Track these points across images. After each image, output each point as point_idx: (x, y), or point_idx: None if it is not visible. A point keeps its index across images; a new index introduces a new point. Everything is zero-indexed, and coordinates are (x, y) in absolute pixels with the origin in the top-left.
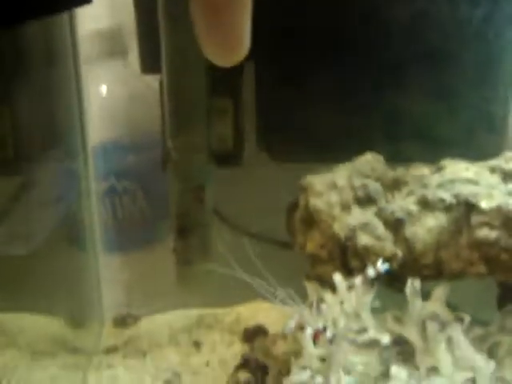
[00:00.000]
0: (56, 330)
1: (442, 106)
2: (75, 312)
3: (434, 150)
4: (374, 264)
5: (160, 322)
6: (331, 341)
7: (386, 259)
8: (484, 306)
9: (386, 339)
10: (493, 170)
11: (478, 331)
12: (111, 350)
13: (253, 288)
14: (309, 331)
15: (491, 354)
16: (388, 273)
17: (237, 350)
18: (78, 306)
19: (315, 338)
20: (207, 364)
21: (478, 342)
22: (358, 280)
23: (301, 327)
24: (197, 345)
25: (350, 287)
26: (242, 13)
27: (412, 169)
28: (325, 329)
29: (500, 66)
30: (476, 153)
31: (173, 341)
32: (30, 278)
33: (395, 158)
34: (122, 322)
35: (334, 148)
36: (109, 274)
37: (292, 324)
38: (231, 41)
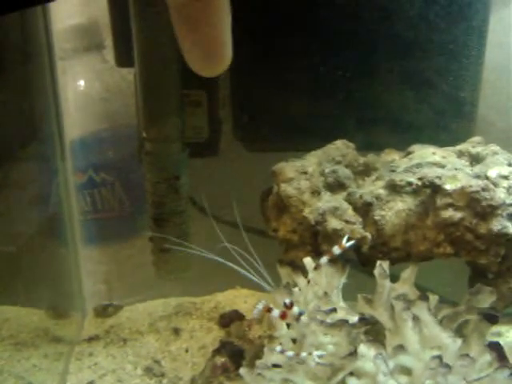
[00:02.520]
0: (38, 322)
1: (413, 93)
2: (56, 303)
3: (406, 136)
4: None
5: (140, 311)
6: (298, 317)
7: (356, 242)
8: (459, 289)
9: (353, 319)
10: (461, 154)
11: (447, 311)
12: (92, 339)
13: (231, 276)
14: (276, 312)
15: (460, 332)
16: (356, 252)
17: (216, 336)
18: (59, 297)
19: (282, 316)
20: (187, 350)
21: (447, 322)
22: (324, 259)
23: (269, 309)
24: (176, 332)
25: (317, 266)
26: (221, 27)
27: (383, 155)
28: (292, 304)
29: (468, 52)
30: (447, 138)
31: (153, 329)
32: (11, 271)
33: (368, 145)
34: (103, 311)
35: (308, 137)
36: (89, 266)
37: (260, 306)
38: (213, 54)
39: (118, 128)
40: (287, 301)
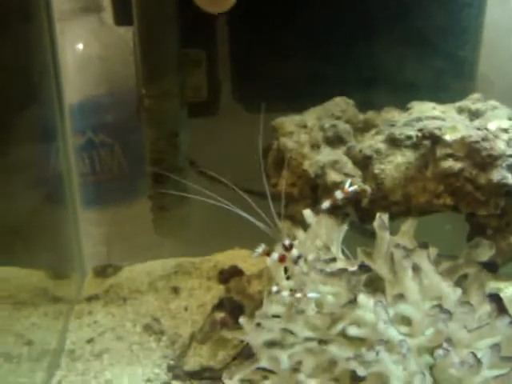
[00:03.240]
0: (37, 282)
1: (413, 53)
2: (56, 264)
3: (406, 96)
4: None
5: (140, 271)
6: (297, 260)
7: (356, 194)
8: (459, 245)
9: (353, 267)
10: (460, 110)
11: (446, 264)
12: (92, 299)
13: (230, 237)
14: (275, 255)
15: (459, 285)
16: (356, 207)
17: (215, 294)
18: (58, 258)
19: (281, 259)
20: (186, 308)
21: (446, 275)
22: (325, 203)
23: (268, 253)
24: (175, 291)
25: (318, 211)
26: None
27: (383, 113)
28: (291, 246)
29: (469, 12)
30: (447, 97)
31: (152, 288)
32: (11, 232)
33: (368, 105)
34: (102, 272)
35: (308, 98)
36: (89, 228)
37: (260, 250)
38: None
39: (117, 89)
40: (286, 242)
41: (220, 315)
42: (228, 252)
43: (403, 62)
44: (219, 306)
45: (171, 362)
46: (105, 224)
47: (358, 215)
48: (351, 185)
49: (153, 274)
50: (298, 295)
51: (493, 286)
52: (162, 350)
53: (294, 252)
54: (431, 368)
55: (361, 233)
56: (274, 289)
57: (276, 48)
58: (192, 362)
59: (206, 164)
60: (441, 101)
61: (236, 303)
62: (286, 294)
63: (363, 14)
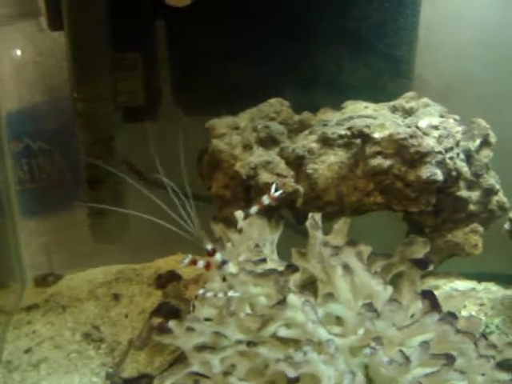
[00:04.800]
0: None
1: (349, 53)
2: None
3: (344, 97)
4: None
5: (81, 279)
6: (221, 265)
7: (289, 195)
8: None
9: (281, 267)
10: (395, 109)
11: (381, 262)
12: (32, 308)
13: (173, 242)
14: (201, 263)
15: (395, 283)
16: (291, 209)
17: (156, 300)
18: None
19: (207, 267)
20: (126, 315)
21: (381, 273)
22: (253, 208)
23: (194, 262)
24: (116, 298)
25: (247, 216)
26: None
27: (319, 113)
28: (214, 251)
29: (404, 10)
30: (384, 97)
31: (92, 295)
32: None
33: (305, 106)
34: (42, 281)
35: (247, 100)
36: (29, 236)
37: (186, 260)
38: None
39: (53, 94)
40: (209, 247)
41: (157, 320)
42: (170, 257)
43: (339, 62)
44: (157, 311)
45: (110, 370)
46: (45, 232)
47: (293, 216)
48: (277, 190)
49: (94, 282)
50: (220, 295)
51: (432, 283)
52: (101, 357)
53: (218, 257)
54: (366, 367)
55: (302, 233)
56: (201, 291)
57: (215, 51)
58: (130, 369)
59: (145, 168)
60: (379, 100)
61: (173, 308)
62: (210, 295)
63: (300, 16)
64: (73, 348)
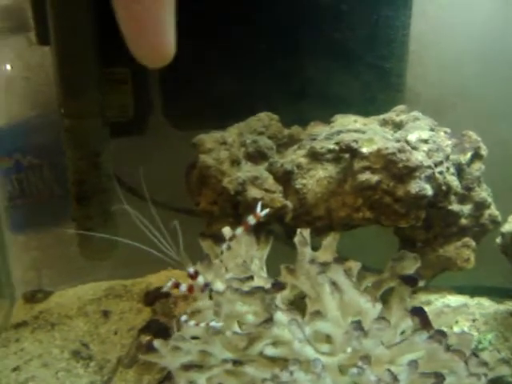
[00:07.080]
0: None
1: (339, 66)
2: None
3: (334, 110)
4: (254, 212)
5: (70, 296)
6: (204, 288)
7: (278, 210)
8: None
9: (267, 285)
10: (385, 123)
11: (371, 279)
12: (20, 325)
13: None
14: (183, 286)
15: (384, 299)
16: (281, 224)
17: (146, 317)
18: None
19: (190, 290)
20: (116, 332)
21: (371, 290)
22: (239, 230)
23: (177, 285)
24: (106, 315)
25: (232, 237)
26: (162, 6)
27: (309, 127)
28: (196, 273)
29: (394, 22)
30: (375, 110)
31: (82, 312)
32: None
33: (295, 120)
34: (32, 298)
35: (238, 114)
36: (18, 253)
37: (169, 284)
38: (155, 38)
39: (43, 109)
40: (191, 270)
41: (146, 338)
42: (161, 273)
43: (329, 75)
44: (145, 328)
45: None
46: (35, 248)
47: (284, 232)
48: (263, 209)
49: (83, 298)
50: (202, 325)
51: (424, 298)
52: (89, 375)
53: (200, 280)
54: None
55: (293, 246)
56: (183, 318)
57: (206, 65)
58: None
59: (134, 183)
60: (369, 114)
61: (162, 325)
62: (192, 323)
63: (289, 29)
64: (61, 366)
